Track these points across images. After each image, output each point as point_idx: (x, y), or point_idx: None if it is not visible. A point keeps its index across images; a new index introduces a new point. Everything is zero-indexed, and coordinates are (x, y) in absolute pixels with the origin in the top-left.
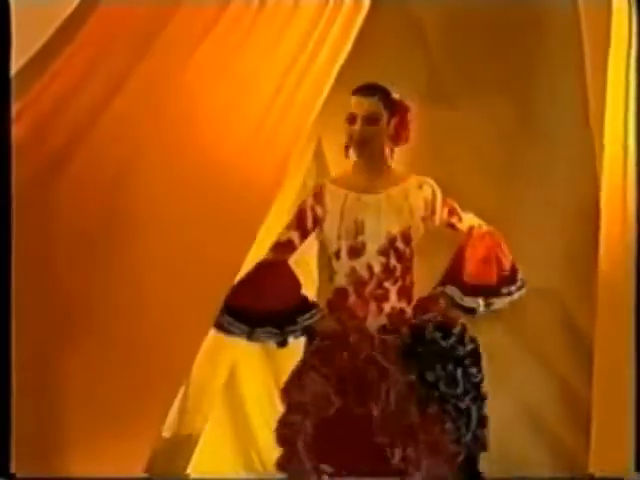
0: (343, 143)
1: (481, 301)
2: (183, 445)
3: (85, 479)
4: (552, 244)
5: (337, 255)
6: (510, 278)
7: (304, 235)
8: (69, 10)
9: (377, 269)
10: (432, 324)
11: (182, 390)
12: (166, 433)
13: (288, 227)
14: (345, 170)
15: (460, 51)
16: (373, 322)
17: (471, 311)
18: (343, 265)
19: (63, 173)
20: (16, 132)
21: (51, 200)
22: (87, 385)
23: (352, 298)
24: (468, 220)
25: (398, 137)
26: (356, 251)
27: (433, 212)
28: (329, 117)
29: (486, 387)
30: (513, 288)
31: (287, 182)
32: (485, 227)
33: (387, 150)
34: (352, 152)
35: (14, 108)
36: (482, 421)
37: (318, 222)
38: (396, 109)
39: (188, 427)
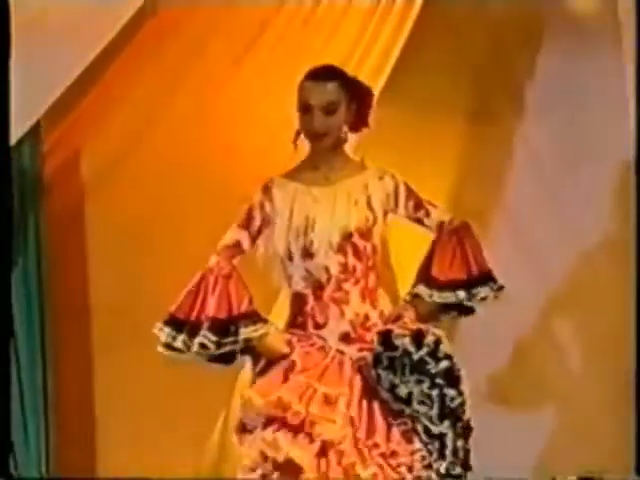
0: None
1: (462, 293)
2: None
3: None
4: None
5: (290, 257)
6: (479, 279)
7: (253, 236)
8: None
9: (334, 269)
10: (404, 333)
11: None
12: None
13: (236, 226)
14: (298, 161)
15: (505, 67)
16: (335, 328)
17: (465, 310)
18: (297, 267)
19: (96, 203)
20: (48, 167)
21: (87, 227)
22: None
23: (311, 303)
24: (438, 215)
25: (358, 123)
26: (308, 251)
27: (396, 205)
28: (371, 134)
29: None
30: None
31: None
32: (457, 222)
33: (344, 137)
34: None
35: (45, 145)
36: (460, 454)
37: (268, 221)
38: (356, 93)
39: None
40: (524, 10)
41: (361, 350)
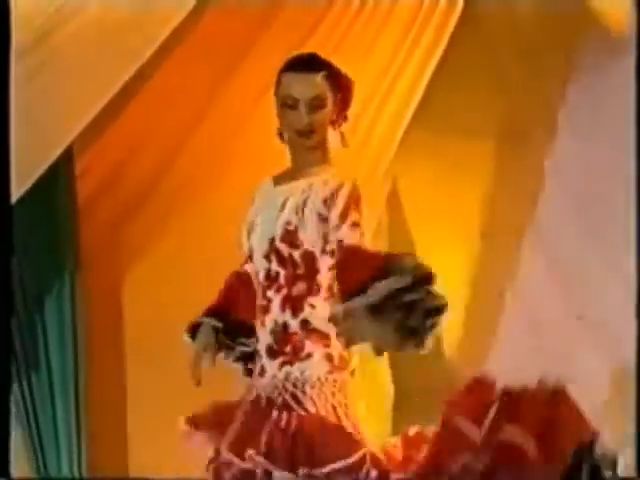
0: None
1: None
2: None
3: None
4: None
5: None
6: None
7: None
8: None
9: (261, 276)
10: None
11: None
12: None
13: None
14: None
15: (538, 86)
16: (263, 339)
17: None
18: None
19: (132, 222)
20: (81, 188)
21: (122, 245)
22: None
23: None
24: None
25: (339, 118)
26: (250, 256)
27: (329, 211)
28: (406, 156)
29: None
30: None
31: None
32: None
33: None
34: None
35: (78, 166)
36: None
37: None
38: (341, 85)
39: None
40: (557, 28)
41: (281, 367)
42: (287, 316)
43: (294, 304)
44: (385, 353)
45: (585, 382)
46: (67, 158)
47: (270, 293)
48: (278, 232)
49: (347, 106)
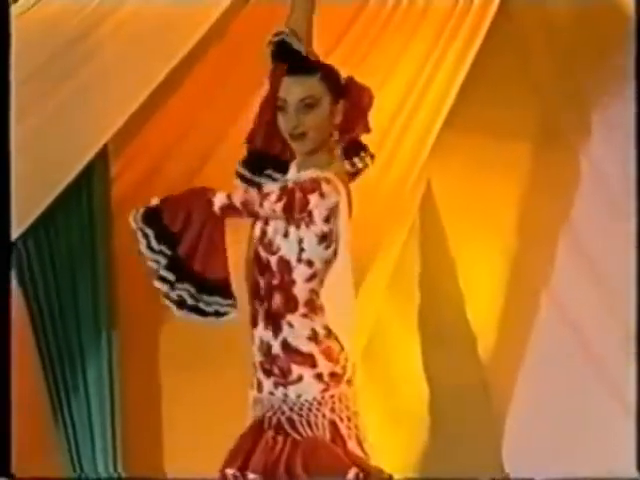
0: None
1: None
2: None
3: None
4: None
5: None
6: None
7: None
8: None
9: (249, 284)
10: None
11: None
12: None
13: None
14: None
15: (572, 87)
16: (255, 355)
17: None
18: None
19: None
20: (116, 190)
21: None
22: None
23: None
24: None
25: (351, 126)
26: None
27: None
28: (440, 157)
29: None
30: None
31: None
32: None
33: (333, 143)
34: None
35: (113, 169)
36: None
37: None
38: (344, 90)
39: None
40: (592, 28)
41: (276, 386)
42: (269, 336)
43: (274, 321)
44: (418, 352)
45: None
46: (102, 158)
47: (256, 304)
48: (257, 234)
49: (361, 114)
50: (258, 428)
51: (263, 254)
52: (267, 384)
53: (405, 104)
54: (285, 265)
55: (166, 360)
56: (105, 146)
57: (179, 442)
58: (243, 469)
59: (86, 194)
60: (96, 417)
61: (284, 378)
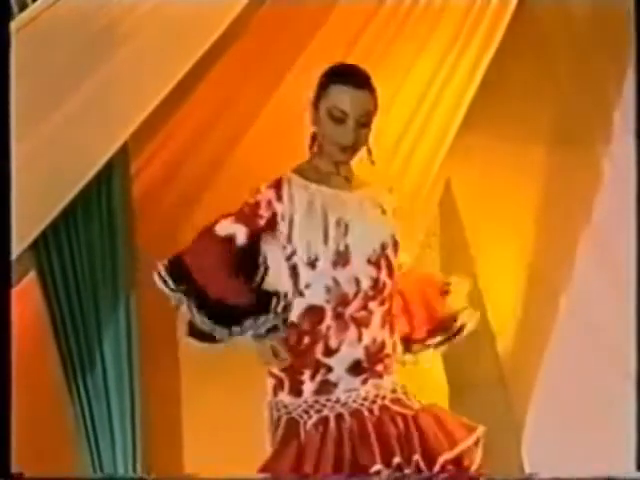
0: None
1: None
2: None
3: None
4: None
5: (313, 264)
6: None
7: (251, 235)
8: None
9: (365, 284)
10: None
11: None
12: None
13: (233, 219)
14: (306, 160)
15: (592, 87)
16: (347, 356)
17: None
18: (321, 276)
19: (188, 222)
20: (136, 187)
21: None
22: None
23: (328, 321)
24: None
25: None
26: (341, 259)
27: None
28: (460, 158)
29: None
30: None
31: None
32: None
33: None
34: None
35: (132, 167)
36: None
37: (274, 223)
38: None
39: None
40: (612, 28)
41: (365, 382)
42: (385, 334)
43: (392, 320)
44: (438, 352)
45: None
46: (122, 155)
47: (373, 305)
48: (388, 240)
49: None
50: (322, 427)
51: (392, 256)
52: (348, 382)
53: (422, 105)
54: (400, 269)
55: (186, 360)
56: (125, 143)
57: (199, 443)
58: (316, 469)
59: (106, 191)
60: (116, 417)
61: (386, 371)
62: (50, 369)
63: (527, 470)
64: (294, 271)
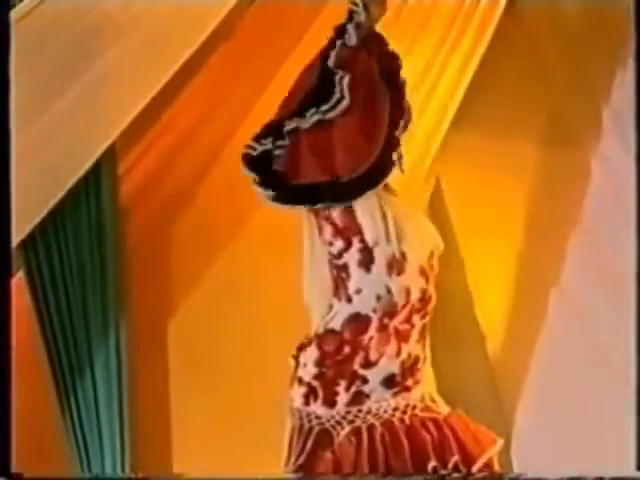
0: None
1: None
2: None
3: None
4: None
5: (367, 265)
6: None
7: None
8: None
9: (414, 295)
10: None
11: None
12: None
13: (331, 238)
14: None
15: (583, 86)
16: (384, 369)
17: None
18: (374, 282)
19: (175, 223)
20: (124, 189)
21: (164, 249)
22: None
23: (371, 332)
24: None
25: None
26: (397, 266)
27: None
28: (450, 156)
29: None
30: None
31: None
32: None
33: None
34: None
35: (121, 167)
36: None
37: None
38: None
39: None
40: (603, 27)
41: (396, 394)
42: (419, 347)
43: (425, 336)
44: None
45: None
46: (110, 157)
47: (416, 318)
48: (435, 249)
49: None
50: (355, 438)
51: (435, 266)
52: (379, 394)
53: (412, 103)
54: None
55: (175, 357)
56: (113, 144)
57: (189, 442)
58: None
59: (94, 192)
60: (104, 416)
61: (416, 383)
62: (36, 370)
63: (516, 471)
64: (346, 271)
